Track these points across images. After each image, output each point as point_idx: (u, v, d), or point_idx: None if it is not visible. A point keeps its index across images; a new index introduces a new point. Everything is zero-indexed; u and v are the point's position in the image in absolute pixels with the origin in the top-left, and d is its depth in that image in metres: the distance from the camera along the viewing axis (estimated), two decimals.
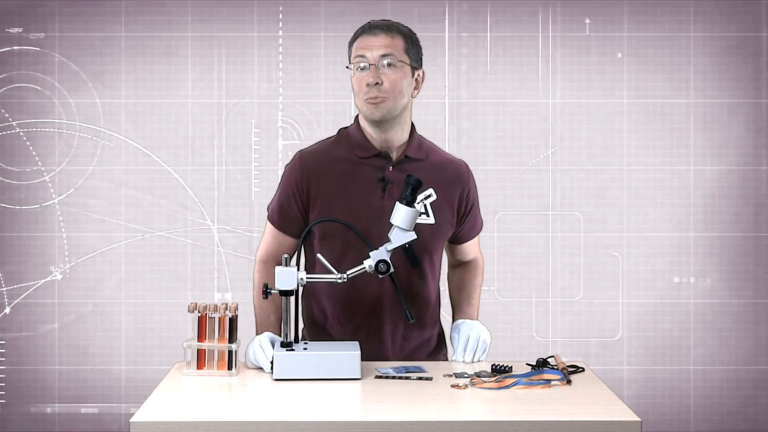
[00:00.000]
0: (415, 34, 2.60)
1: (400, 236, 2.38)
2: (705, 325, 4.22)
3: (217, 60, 4.22)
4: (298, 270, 2.38)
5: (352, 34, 2.58)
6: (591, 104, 4.21)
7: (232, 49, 4.21)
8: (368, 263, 2.40)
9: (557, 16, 4.18)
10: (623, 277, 4.23)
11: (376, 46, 2.51)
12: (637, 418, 2.00)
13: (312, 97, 4.21)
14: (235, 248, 4.22)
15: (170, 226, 4.22)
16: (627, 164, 4.22)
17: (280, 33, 4.21)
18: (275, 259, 2.60)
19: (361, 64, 2.52)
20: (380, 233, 2.45)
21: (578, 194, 4.23)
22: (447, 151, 2.77)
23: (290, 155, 4.13)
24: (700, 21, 4.18)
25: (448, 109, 4.22)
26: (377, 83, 2.49)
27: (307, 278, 2.40)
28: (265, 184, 4.20)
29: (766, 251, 4.22)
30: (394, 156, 2.59)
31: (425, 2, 4.18)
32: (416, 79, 2.58)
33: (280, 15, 4.20)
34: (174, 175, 4.21)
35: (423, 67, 2.59)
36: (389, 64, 2.51)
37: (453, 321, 2.73)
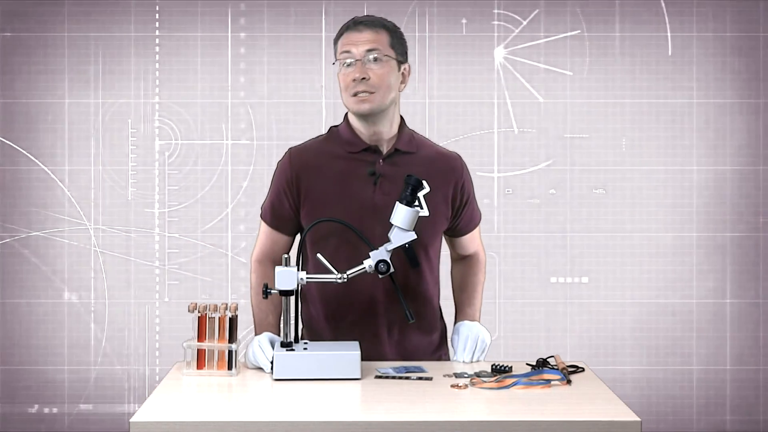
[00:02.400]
0: (399, 28, 2.60)
1: (400, 236, 2.39)
2: (707, 325, 4.24)
3: (94, 60, 4.19)
4: (298, 270, 2.38)
5: (337, 31, 2.59)
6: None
7: (108, 49, 4.19)
8: (368, 263, 2.39)
9: (433, 16, 4.21)
10: (624, 277, 4.25)
11: (361, 42, 2.51)
12: (637, 418, 2.00)
13: (189, 97, 4.21)
14: (112, 248, 4.20)
15: (47, 226, 4.20)
16: (630, 164, 4.24)
17: (157, 33, 4.21)
18: (270, 259, 2.60)
19: (347, 60, 2.52)
20: (372, 227, 2.47)
21: (574, 189, 4.27)
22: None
23: (167, 155, 4.26)
24: (703, 21, 4.21)
25: (325, 108, 4.24)
26: (364, 78, 2.49)
27: (307, 278, 2.39)
28: (142, 184, 4.21)
29: (766, 251, 4.25)
30: (384, 149, 2.59)
31: (304, 2, 4.20)
32: (402, 73, 2.58)
33: (157, 15, 4.20)
34: (51, 175, 4.19)
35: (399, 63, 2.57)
36: (375, 59, 2.51)
37: (455, 322, 2.72)
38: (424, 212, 2.56)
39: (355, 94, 2.51)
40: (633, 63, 4.23)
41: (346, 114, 2.63)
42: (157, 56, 4.21)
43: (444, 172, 2.63)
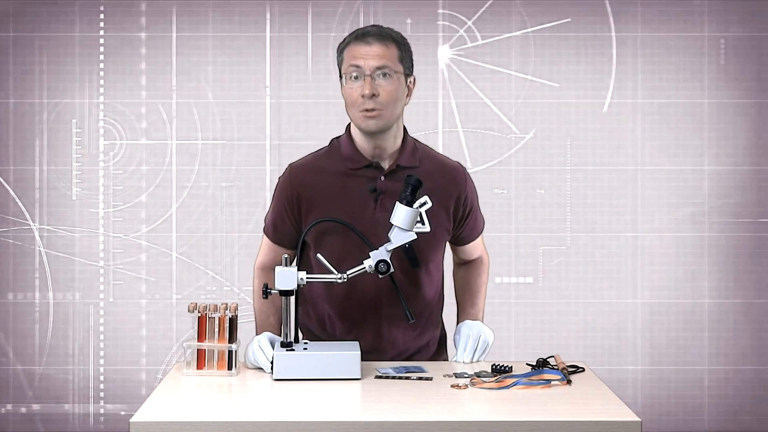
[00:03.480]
0: (406, 39, 2.53)
1: (400, 236, 2.38)
2: (710, 325, 4.24)
3: (39, 60, 4.18)
4: (298, 270, 2.38)
5: (342, 41, 2.52)
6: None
7: (53, 49, 4.18)
8: (368, 263, 2.39)
9: (378, 16, 4.21)
10: (627, 277, 4.26)
11: (371, 56, 2.44)
12: (637, 418, 2.00)
13: (133, 97, 4.20)
14: (57, 248, 4.20)
15: None
16: (640, 164, 4.23)
17: (102, 33, 4.20)
18: (273, 268, 2.55)
19: (355, 74, 2.45)
20: (374, 243, 2.42)
21: (518, 189, 4.27)
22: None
23: (112, 155, 4.24)
24: (714, 21, 4.21)
25: (269, 107, 4.23)
26: (374, 95, 2.44)
27: (307, 278, 2.39)
28: (86, 184, 4.20)
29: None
30: (386, 165, 2.54)
31: (248, 2, 4.19)
32: (408, 85, 2.53)
33: (102, 15, 4.19)
34: None
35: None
36: (385, 75, 2.44)
37: (457, 323, 2.71)
38: (425, 228, 2.51)
39: (363, 110, 2.45)
40: (578, 63, 4.23)
41: (348, 125, 2.58)
42: (101, 56, 4.21)
43: (447, 185, 2.59)
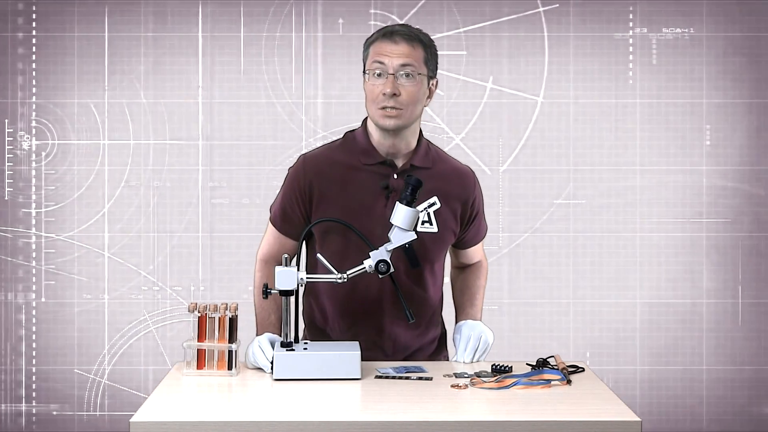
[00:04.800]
0: (433, 42, 2.53)
1: (400, 236, 2.38)
2: (709, 325, 4.26)
3: None
4: (298, 270, 2.38)
5: (369, 36, 2.53)
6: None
7: None
8: (368, 263, 2.39)
9: (310, 16, 4.22)
10: (627, 277, 4.27)
11: (396, 55, 2.44)
12: (637, 418, 2.00)
13: (66, 97, 4.19)
14: None
15: None
16: (639, 164, 4.24)
17: (34, 33, 4.19)
18: (276, 260, 2.57)
19: (378, 71, 2.46)
20: (382, 241, 2.42)
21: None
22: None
23: (43, 155, 4.24)
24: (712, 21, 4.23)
25: (201, 108, 4.24)
26: (395, 94, 2.44)
27: (307, 278, 2.40)
28: (18, 184, 4.19)
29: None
30: (400, 164, 2.55)
31: (181, 2, 4.20)
32: (430, 88, 2.53)
33: (34, 15, 4.18)
34: None
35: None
36: (408, 75, 2.45)
37: (456, 323, 2.71)
38: (433, 228, 2.54)
39: (382, 108, 2.46)
40: (510, 62, 4.24)
41: (365, 120, 2.59)
42: (33, 56, 4.20)
43: (456, 188, 2.60)
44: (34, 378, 4.21)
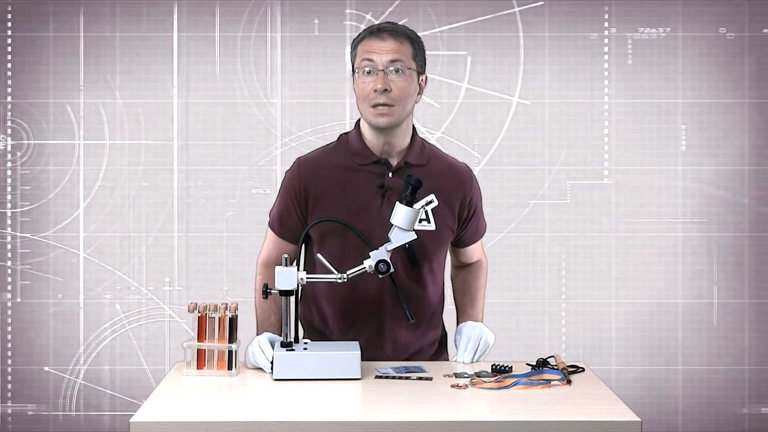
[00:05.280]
0: (420, 38, 2.54)
1: (400, 236, 2.38)
2: (710, 325, 4.26)
3: None
4: (298, 270, 2.39)
5: (356, 36, 2.54)
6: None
7: None
8: (368, 263, 2.39)
9: (286, 16, 4.21)
10: (627, 277, 4.27)
11: (384, 51, 2.45)
12: (637, 418, 2.00)
13: (41, 97, 4.19)
14: None
15: None
16: (615, 164, 4.25)
17: (9, 33, 4.19)
18: (276, 263, 2.56)
19: (368, 69, 2.46)
20: (380, 241, 2.42)
21: (569, 193, 4.27)
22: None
23: (19, 155, 4.24)
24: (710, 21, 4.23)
25: (176, 108, 4.24)
26: (386, 90, 2.45)
27: (307, 278, 2.40)
28: None
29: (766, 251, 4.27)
30: (394, 162, 2.56)
31: (156, 2, 4.20)
32: (420, 83, 2.53)
33: (9, 15, 4.18)
34: None
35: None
36: (397, 71, 2.45)
37: (457, 324, 2.72)
38: (431, 226, 2.54)
39: (374, 106, 2.46)
40: (485, 62, 4.24)
41: (358, 121, 2.59)
42: (9, 56, 4.20)
43: (453, 185, 2.60)
44: (9, 378, 4.21)
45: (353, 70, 2.52)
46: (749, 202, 4.25)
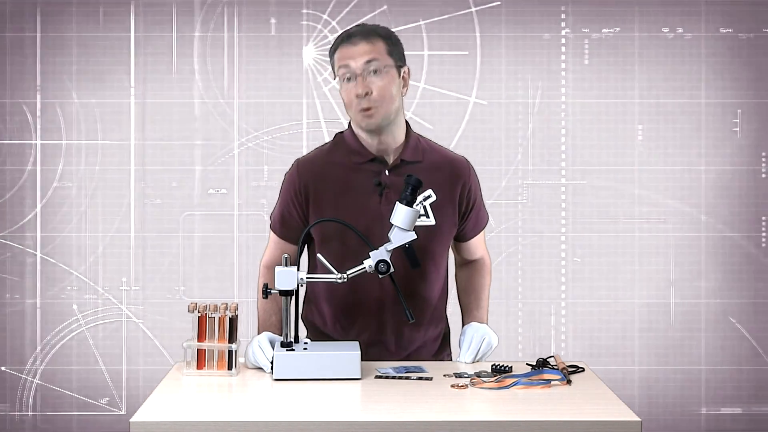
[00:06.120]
0: (392, 32, 2.56)
1: (400, 236, 2.38)
2: (709, 325, 4.26)
3: None
4: (298, 270, 2.39)
5: (330, 46, 2.56)
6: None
7: None
8: (368, 263, 2.40)
9: (242, 16, 4.22)
10: (627, 277, 4.27)
11: (358, 55, 2.47)
12: (637, 418, 2.00)
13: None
14: None
15: None
16: (571, 164, 4.25)
17: None
18: (278, 264, 2.55)
19: (347, 76, 2.49)
20: (379, 238, 2.44)
21: (526, 193, 4.28)
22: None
23: None
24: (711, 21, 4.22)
25: (134, 108, 4.24)
26: (367, 93, 2.47)
27: (307, 278, 2.41)
28: None
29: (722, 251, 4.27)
30: (391, 159, 2.57)
31: (112, 2, 4.19)
32: (403, 77, 2.55)
33: None
34: None
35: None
36: (375, 71, 2.48)
37: (462, 325, 2.72)
38: (430, 221, 2.55)
39: (360, 110, 2.49)
40: (442, 62, 4.24)
41: (351, 120, 2.60)
42: None
43: (450, 178, 2.61)
44: None
45: (335, 78, 2.55)
46: (705, 202, 4.25)
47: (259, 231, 4.18)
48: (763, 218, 4.25)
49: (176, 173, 4.23)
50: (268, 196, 4.18)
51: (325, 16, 4.21)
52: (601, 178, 4.26)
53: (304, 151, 4.24)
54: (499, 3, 4.22)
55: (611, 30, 4.23)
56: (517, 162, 4.25)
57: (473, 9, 4.22)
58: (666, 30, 4.23)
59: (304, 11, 4.22)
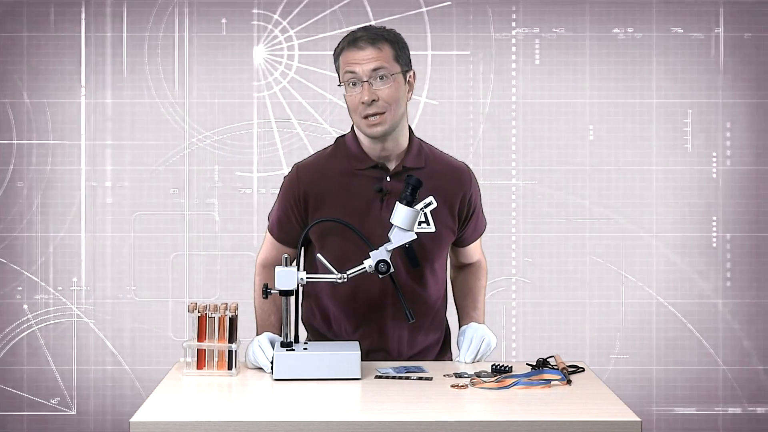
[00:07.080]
0: (399, 35, 2.51)
1: (400, 236, 2.38)
2: (711, 325, 4.26)
3: None
4: (298, 270, 2.39)
5: (335, 46, 2.51)
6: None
7: None
8: (368, 263, 2.39)
9: (193, 16, 4.23)
10: (628, 277, 4.27)
11: (365, 60, 2.43)
12: (637, 418, 2.01)
13: None
14: None
15: None
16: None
17: None
18: (275, 264, 2.55)
19: (352, 81, 2.45)
20: (379, 244, 2.42)
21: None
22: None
23: None
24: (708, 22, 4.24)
25: (84, 108, 4.23)
26: (373, 100, 2.43)
27: (307, 278, 2.40)
28: None
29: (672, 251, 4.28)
30: (392, 165, 2.55)
31: (61, 2, 4.19)
32: (409, 81, 2.52)
33: None
34: None
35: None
36: (382, 78, 2.44)
37: (460, 327, 2.71)
38: (431, 228, 2.54)
39: (365, 117, 2.45)
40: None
41: (353, 125, 2.57)
42: None
43: (452, 185, 2.60)
44: None
45: (340, 82, 2.51)
46: (656, 201, 4.26)
47: (209, 231, 4.19)
48: (714, 218, 4.26)
49: (127, 173, 4.23)
50: (219, 195, 4.19)
51: (276, 16, 4.21)
52: (552, 178, 4.26)
53: (255, 151, 4.26)
54: (449, 3, 4.22)
55: (562, 30, 4.23)
56: (467, 162, 4.24)
57: (424, 9, 4.22)
58: (617, 30, 4.23)
59: (255, 11, 4.22)
